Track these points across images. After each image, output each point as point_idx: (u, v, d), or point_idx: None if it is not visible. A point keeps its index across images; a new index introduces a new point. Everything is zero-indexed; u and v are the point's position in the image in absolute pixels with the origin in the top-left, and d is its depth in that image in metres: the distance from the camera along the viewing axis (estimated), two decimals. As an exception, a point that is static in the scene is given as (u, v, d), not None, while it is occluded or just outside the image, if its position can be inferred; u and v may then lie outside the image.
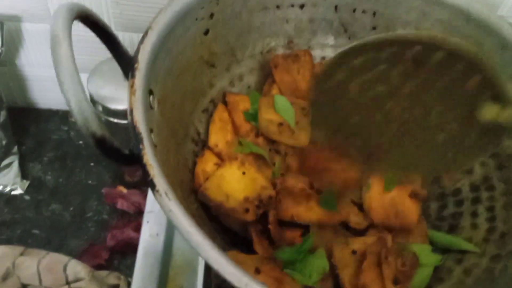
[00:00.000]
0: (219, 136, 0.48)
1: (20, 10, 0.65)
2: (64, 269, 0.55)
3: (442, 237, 0.47)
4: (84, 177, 0.72)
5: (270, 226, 0.40)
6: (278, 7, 0.53)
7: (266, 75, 0.55)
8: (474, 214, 0.48)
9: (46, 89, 0.77)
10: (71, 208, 0.70)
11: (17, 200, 0.68)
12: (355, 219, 0.45)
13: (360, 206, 0.47)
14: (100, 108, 0.62)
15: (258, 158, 0.47)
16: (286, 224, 0.44)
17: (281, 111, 0.50)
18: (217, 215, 0.43)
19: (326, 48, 0.57)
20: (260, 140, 0.49)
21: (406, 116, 0.33)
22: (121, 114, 0.59)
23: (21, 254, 0.55)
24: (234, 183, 0.42)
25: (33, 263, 0.55)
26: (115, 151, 0.30)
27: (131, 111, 0.34)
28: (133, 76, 0.36)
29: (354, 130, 0.34)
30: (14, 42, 0.69)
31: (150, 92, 0.39)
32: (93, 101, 0.63)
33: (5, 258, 0.54)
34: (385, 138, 0.34)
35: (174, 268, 0.46)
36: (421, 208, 0.47)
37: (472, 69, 0.31)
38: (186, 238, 0.29)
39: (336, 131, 0.35)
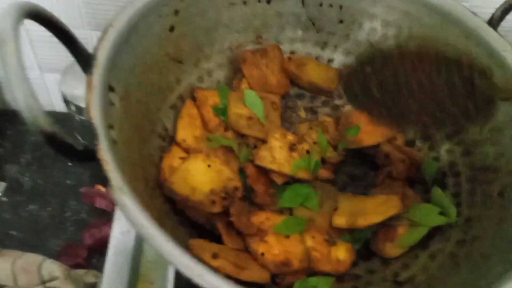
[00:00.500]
0: (187, 131, 0.48)
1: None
2: (39, 269, 0.55)
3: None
4: (62, 177, 0.72)
5: (232, 219, 0.41)
6: (245, 3, 0.53)
7: (236, 70, 0.55)
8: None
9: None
10: (49, 209, 0.70)
11: (-6, 202, 0.68)
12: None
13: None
14: (73, 108, 0.62)
15: (227, 151, 0.48)
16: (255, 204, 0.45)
17: (250, 105, 0.50)
18: (184, 209, 0.43)
19: (295, 43, 0.57)
20: (229, 134, 0.50)
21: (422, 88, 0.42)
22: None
23: (-4, 255, 0.55)
24: (200, 176, 0.43)
25: (8, 264, 0.55)
26: (68, 148, 0.31)
27: (88, 107, 0.34)
28: (91, 73, 0.37)
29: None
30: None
31: (111, 89, 0.39)
32: (66, 101, 0.63)
33: (-20, 260, 0.54)
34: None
35: (145, 264, 0.46)
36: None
37: None
38: (140, 231, 0.29)
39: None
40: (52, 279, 0.55)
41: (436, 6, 0.50)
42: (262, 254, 0.41)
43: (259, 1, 0.53)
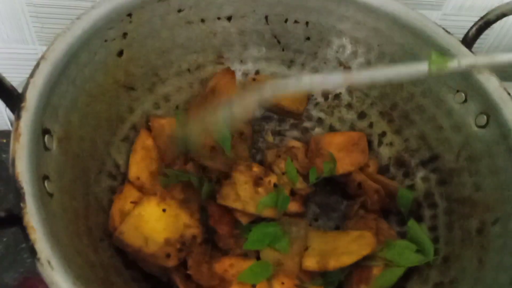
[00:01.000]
0: (142, 166, 0.44)
1: None
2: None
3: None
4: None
5: (190, 271, 0.37)
6: (203, 20, 0.48)
7: (196, 93, 0.51)
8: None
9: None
10: (4, 239, 0.65)
11: None
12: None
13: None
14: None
15: (186, 187, 0.44)
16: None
17: (216, 136, 0.46)
18: (136, 261, 0.39)
19: (259, 61, 0.53)
20: (190, 167, 0.45)
21: None
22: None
23: None
24: (153, 222, 0.38)
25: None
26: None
27: (13, 161, 0.30)
28: (18, 118, 0.32)
29: None
30: None
31: (46, 132, 0.34)
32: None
33: None
34: None
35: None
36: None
37: None
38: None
39: None
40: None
41: (407, 23, 0.46)
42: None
43: (219, 18, 0.49)
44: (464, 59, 0.41)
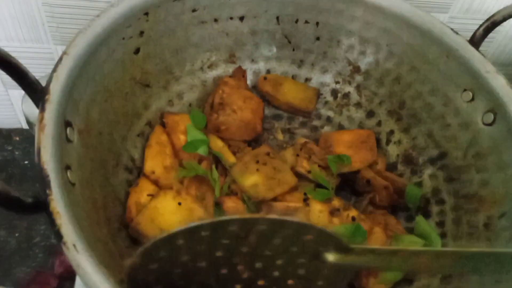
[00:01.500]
0: (156, 161, 0.45)
1: None
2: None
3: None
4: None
5: None
6: (216, 20, 0.50)
7: (209, 92, 0.52)
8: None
9: (-14, 108, 0.73)
10: (17, 234, 0.66)
11: (-44, 229, 0.64)
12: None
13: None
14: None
15: (201, 184, 0.45)
16: None
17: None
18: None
19: (270, 61, 0.54)
20: (204, 165, 0.46)
21: (250, 271, 0.32)
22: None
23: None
24: (169, 215, 0.39)
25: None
26: (14, 202, 0.27)
27: (39, 150, 0.31)
28: (42, 110, 0.33)
29: None
30: None
31: (68, 124, 0.36)
32: (29, 123, 0.59)
33: None
34: None
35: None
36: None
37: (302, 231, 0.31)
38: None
39: None
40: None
41: (416, 23, 0.48)
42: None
43: (231, 18, 0.50)
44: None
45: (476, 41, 0.46)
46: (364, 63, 0.53)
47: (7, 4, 0.57)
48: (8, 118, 0.75)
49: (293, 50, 0.54)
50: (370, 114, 0.53)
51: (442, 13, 0.63)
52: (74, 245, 0.28)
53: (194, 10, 0.48)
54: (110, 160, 0.42)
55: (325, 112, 0.55)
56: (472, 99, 0.45)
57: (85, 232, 0.31)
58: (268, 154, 0.46)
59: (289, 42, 0.53)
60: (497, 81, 0.43)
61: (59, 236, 0.28)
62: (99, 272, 0.27)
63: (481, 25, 0.46)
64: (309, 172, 0.46)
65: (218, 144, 0.48)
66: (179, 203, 0.40)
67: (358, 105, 0.54)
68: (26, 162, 0.73)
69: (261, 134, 0.51)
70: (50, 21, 0.61)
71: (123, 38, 0.43)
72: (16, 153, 0.74)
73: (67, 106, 0.36)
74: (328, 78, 0.54)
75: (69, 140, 0.35)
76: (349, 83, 0.54)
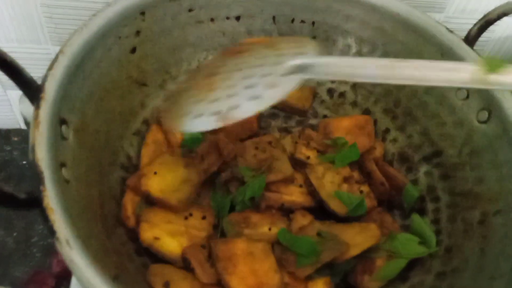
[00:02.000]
0: (153, 159, 0.45)
1: None
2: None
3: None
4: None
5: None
6: (212, 20, 0.50)
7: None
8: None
9: (-16, 108, 0.73)
10: (15, 234, 0.66)
11: (-46, 229, 0.64)
12: None
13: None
14: (34, 131, 0.58)
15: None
16: None
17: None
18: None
19: (266, 60, 0.54)
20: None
21: None
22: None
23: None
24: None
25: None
26: (7, 197, 0.27)
27: (33, 147, 0.31)
28: (37, 107, 0.33)
29: None
30: None
31: (63, 122, 0.36)
32: (27, 123, 0.59)
33: None
34: None
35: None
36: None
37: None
38: (89, 291, 0.27)
39: None
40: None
41: (411, 23, 0.48)
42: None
43: (228, 18, 0.51)
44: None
45: (470, 39, 0.47)
46: (360, 62, 0.53)
47: (6, 5, 0.57)
48: (7, 119, 0.75)
49: (289, 49, 0.54)
50: (366, 112, 0.54)
51: (437, 13, 0.63)
52: (67, 241, 0.28)
53: (190, 10, 0.48)
54: (106, 158, 0.42)
55: (321, 111, 0.55)
56: (467, 97, 0.45)
57: (79, 228, 0.31)
58: (270, 143, 0.47)
59: (285, 41, 0.53)
60: (492, 79, 0.43)
61: (52, 232, 0.28)
62: (92, 268, 0.27)
63: (475, 24, 0.47)
64: (308, 158, 0.47)
65: None
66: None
67: (354, 103, 0.54)
68: (24, 162, 0.73)
69: (257, 133, 0.52)
70: (48, 22, 0.61)
71: (120, 37, 0.43)
72: (15, 153, 0.74)
73: (63, 104, 0.36)
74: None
75: (64, 138, 0.36)
76: (345, 82, 0.54)
